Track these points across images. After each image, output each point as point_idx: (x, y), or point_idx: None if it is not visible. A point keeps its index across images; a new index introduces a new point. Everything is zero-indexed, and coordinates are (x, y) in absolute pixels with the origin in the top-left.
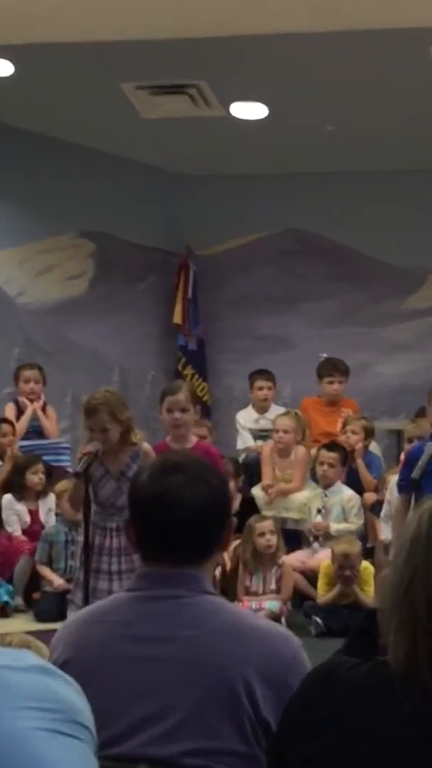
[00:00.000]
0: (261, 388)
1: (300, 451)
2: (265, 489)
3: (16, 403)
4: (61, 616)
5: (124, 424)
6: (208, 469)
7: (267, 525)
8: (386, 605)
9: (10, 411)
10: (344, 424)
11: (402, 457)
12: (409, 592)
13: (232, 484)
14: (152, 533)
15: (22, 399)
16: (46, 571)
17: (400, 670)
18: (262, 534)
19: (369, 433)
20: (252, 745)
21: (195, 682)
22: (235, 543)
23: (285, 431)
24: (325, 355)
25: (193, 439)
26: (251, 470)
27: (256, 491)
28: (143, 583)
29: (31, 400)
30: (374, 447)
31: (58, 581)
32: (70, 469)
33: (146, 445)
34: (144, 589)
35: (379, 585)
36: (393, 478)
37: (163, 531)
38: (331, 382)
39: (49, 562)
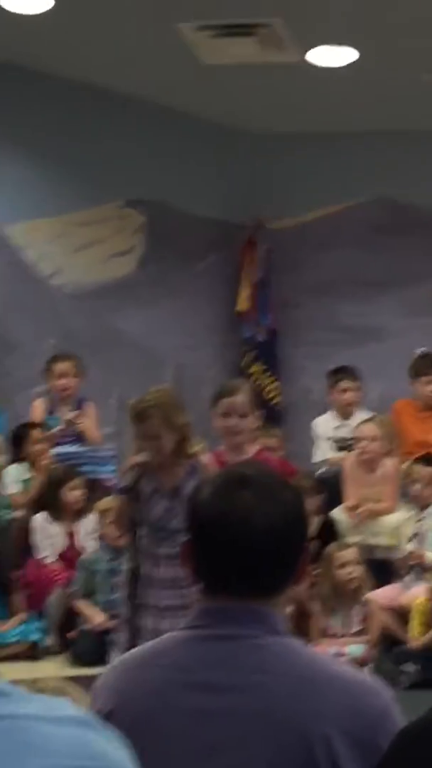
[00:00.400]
0: (344, 390)
1: (389, 464)
2: (348, 510)
3: (47, 401)
4: (101, 659)
5: (179, 432)
6: (282, 484)
7: (349, 554)
8: None
9: (38, 410)
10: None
11: None
12: None
13: (309, 503)
14: (214, 561)
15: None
16: (84, 606)
17: None
18: (343, 565)
19: None
20: None
21: (265, 740)
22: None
23: (371, 439)
24: (423, 349)
25: (252, 450)
26: (331, 487)
27: (338, 513)
28: (203, 620)
29: (65, 398)
30: None
31: (98, 618)
32: (114, 484)
33: (206, 458)
34: (204, 627)
35: None
36: None
37: (228, 558)
38: (429, 383)
39: (88, 595)
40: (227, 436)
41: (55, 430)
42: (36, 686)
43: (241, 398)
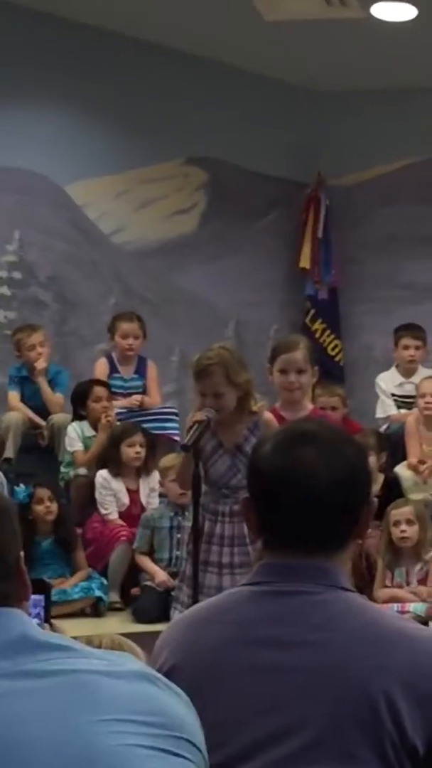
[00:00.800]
0: (407, 347)
1: None
2: (412, 467)
3: (110, 359)
4: (164, 615)
5: (241, 389)
6: (345, 439)
7: (405, 512)
8: None
9: (101, 369)
10: None
11: None
12: None
13: (373, 460)
14: (277, 516)
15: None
16: (146, 563)
17: None
18: (397, 523)
19: None
20: None
21: (328, 695)
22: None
23: None
24: None
25: (308, 407)
26: (393, 444)
27: (401, 470)
28: (265, 577)
29: (128, 358)
30: None
31: (160, 575)
32: (177, 440)
33: (268, 415)
34: (266, 584)
35: None
36: None
37: (291, 514)
38: None
39: (151, 552)
40: (285, 392)
41: (118, 405)
42: (92, 642)
43: (299, 354)
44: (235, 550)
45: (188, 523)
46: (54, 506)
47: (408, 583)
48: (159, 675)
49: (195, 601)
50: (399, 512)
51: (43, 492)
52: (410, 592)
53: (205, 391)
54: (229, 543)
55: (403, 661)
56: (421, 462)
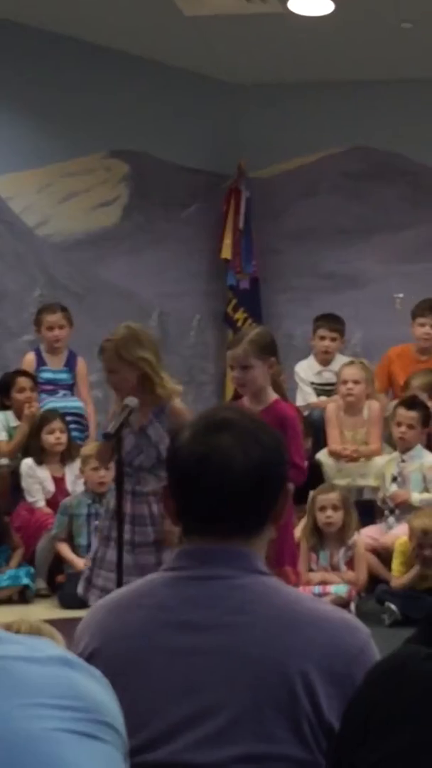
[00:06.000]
0: (323, 338)
1: (375, 406)
2: (334, 454)
3: (38, 352)
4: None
5: (136, 367)
6: (261, 426)
7: (331, 498)
8: None
9: (29, 362)
10: (406, 383)
11: None
12: None
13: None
14: (194, 502)
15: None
16: (65, 551)
17: None
18: (323, 508)
19: None
20: (311, 750)
21: (246, 677)
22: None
23: (354, 381)
24: (401, 295)
25: (272, 398)
26: (314, 431)
27: (323, 456)
28: (184, 562)
29: (55, 349)
30: None
31: (79, 563)
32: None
33: (177, 403)
34: (185, 569)
35: None
36: None
37: (208, 500)
38: (422, 325)
39: (70, 539)
40: (236, 388)
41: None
42: (11, 628)
43: (239, 350)
44: (136, 528)
45: (102, 509)
46: None
47: (332, 566)
48: (79, 659)
49: (120, 584)
50: (325, 498)
51: None
52: (338, 576)
53: (103, 367)
54: (129, 521)
55: (319, 642)
56: (343, 449)
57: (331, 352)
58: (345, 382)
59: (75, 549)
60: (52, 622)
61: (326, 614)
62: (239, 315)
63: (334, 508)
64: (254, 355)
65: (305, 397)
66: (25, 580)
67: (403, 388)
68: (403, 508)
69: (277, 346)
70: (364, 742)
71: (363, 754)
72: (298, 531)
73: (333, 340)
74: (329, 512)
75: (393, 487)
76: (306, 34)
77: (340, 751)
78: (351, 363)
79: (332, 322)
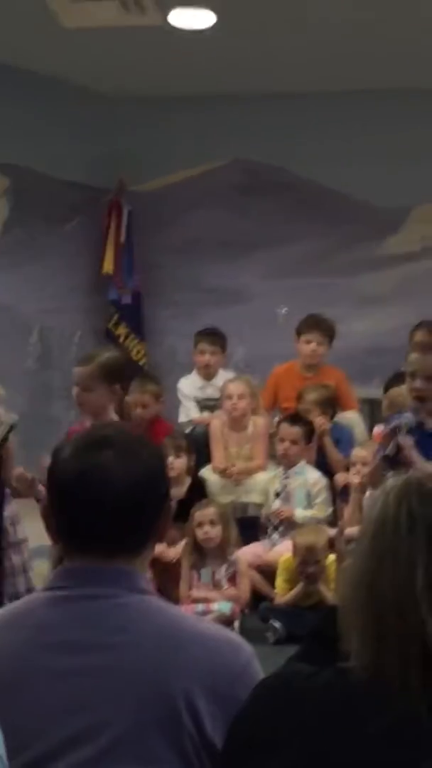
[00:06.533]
0: (203, 352)
1: (259, 422)
2: (218, 471)
3: None
4: None
5: None
6: (141, 443)
7: (208, 514)
8: (348, 602)
9: None
10: (298, 397)
11: (376, 431)
12: (374, 586)
13: (182, 462)
14: (74, 521)
15: None
16: None
17: (365, 679)
18: (201, 524)
19: (327, 405)
20: None
21: (128, 697)
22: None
23: (239, 396)
24: (285, 309)
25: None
26: (197, 447)
27: (207, 473)
28: (64, 581)
29: None
30: (352, 418)
31: None
32: None
33: None
34: (65, 588)
35: (339, 577)
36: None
37: (88, 518)
38: (308, 342)
39: None
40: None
41: None
42: None
43: (85, 370)
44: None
45: None
46: None
47: (214, 584)
48: None
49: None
50: (202, 513)
51: None
52: (219, 593)
53: None
54: None
55: (202, 661)
56: (228, 466)
57: (213, 367)
58: (229, 397)
59: None
60: None
61: (209, 633)
62: (121, 330)
63: (212, 523)
64: (99, 378)
65: (188, 412)
66: None
67: (296, 401)
68: (287, 525)
69: (126, 372)
70: (249, 759)
71: None
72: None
73: (214, 354)
74: (207, 528)
75: (277, 504)
76: (187, 47)
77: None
78: (235, 378)
79: (213, 336)
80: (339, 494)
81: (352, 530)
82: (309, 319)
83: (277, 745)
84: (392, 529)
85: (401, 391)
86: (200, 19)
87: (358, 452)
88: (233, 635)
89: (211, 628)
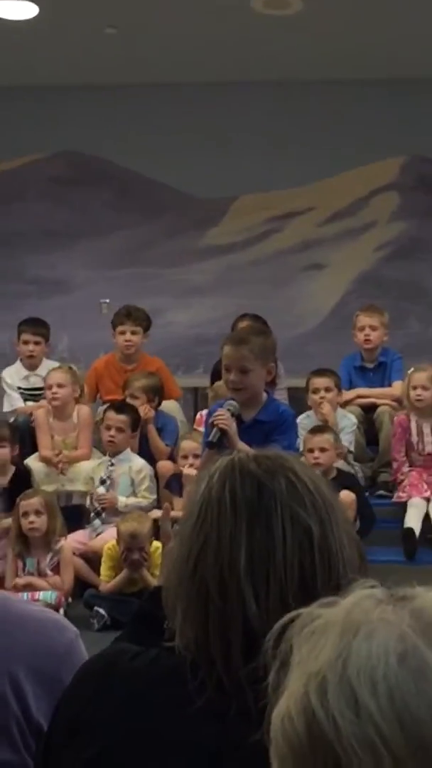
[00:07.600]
0: (27, 342)
1: (84, 411)
2: (46, 460)
3: None
4: None
5: None
6: None
7: (33, 503)
8: (172, 582)
9: None
10: (125, 385)
11: (198, 417)
12: (198, 567)
13: (6, 452)
14: None
15: None
16: None
17: (190, 658)
18: (25, 514)
19: (154, 393)
20: (20, 752)
21: None
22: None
23: (59, 385)
24: (107, 300)
25: None
26: (21, 437)
27: (32, 462)
28: None
29: None
30: (171, 407)
31: None
32: None
33: None
34: None
35: (164, 559)
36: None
37: None
38: (123, 332)
39: None
40: None
41: None
42: None
43: None
44: None
45: None
46: None
47: (39, 573)
48: None
49: None
50: (27, 503)
51: None
52: (43, 581)
53: None
54: None
55: (26, 642)
56: (54, 455)
57: (36, 356)
58: (49, 386)
59: None
60: None
61: (33, 614)
62: None
63: (37, 513)
64: None
65: (12, 402)
66: None
67: (122, 390)
68: (111, 512)
69: None
70: (73, 741)
71: (71, 754)
72: None
73: (37, 344)
74: (32, 517)
75: (101, 489)
76: (8, 38)
77: (48, 751)
78: (58, 368)
79: (36, 326)
80: (166, 483)
81: (176, 513)
82: (122, 309)
83: (100, 727)
84: (216, 510)
85: None
86: (22, 9)
87: (187, 444)
88: (58, 616)
89: (36, 609)
